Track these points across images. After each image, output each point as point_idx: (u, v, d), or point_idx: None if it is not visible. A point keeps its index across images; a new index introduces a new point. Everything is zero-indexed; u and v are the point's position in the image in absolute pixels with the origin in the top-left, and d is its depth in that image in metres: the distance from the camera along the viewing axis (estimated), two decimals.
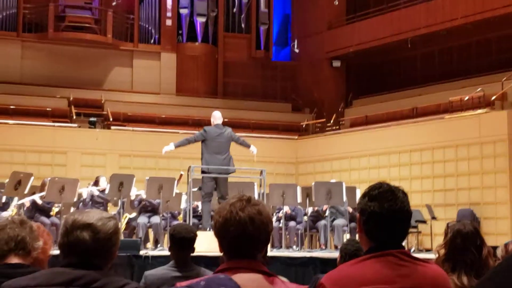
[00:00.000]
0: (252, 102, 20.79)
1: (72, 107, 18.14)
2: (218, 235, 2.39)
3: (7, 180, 10.85)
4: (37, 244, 2.90)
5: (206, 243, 7.50)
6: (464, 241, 3.65)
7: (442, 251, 3.73)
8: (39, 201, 10.87)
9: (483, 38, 18.47)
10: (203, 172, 10.20)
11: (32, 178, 10.78)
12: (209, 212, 10.29)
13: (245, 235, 2.32)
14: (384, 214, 2.43)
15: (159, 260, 8.17)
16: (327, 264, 8.50)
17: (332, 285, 2.35)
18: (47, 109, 17.74)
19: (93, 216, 2.37)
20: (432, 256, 6.75)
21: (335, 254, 8.28)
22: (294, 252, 10.87)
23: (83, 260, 2.33)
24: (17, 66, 19.42)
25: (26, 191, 10.67)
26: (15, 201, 11.17)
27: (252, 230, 2.32)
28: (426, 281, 2.40)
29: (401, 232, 2.49)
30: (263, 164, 15.88)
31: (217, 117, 10.53)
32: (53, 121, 17.42)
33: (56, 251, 3.05)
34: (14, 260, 2.80)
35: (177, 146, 10.48)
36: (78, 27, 19.77)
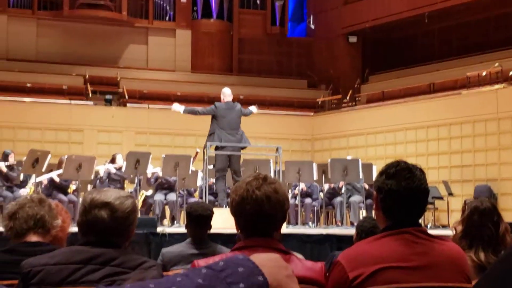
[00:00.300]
0: (268, 79, 20.75)
1: (88, 84, 18.20)
2: (234, 213, 2.40)
3: (24, 158, 10.92)
4: (56, 222, 2.93)
5: (222, 220, 7.53)
6: (481, 218, 3.64)
7: (460, 228, 3.72)
8: (57, 179, 10.94)
9: (501, 13, 18.24)
10: (216, 148, 10.14)
11: (49, 156, 10.84)
12: (224, 189, 10.30)
13: (261, 213, 2.33)
14: (402, 192, 2.43)
15: (176, 237, 8.20)
16: (343, 241, 8.50)
17: (349, 263, 2.36)
18: (63, 86, 17.81)
19: (111, 195, 2.39)
20: (448, 232, 6.74)
21: (351, 231, 8.28)
22: (310, 229, 10.90)
23: (101, 239, 2.35)
24: (32, 44, 19.48)
25: (43, 169, 10.74)
26: (33, 179, 11.26)
27: (268, 208, 2.33)
28: (443, 258, 2.40)
29: (418, 210, 2.50)
30: (279, 141, 15.93)
31: (227, 94, 10.35)
32: (69, 99, 17.49)
33: (74, 229, 3.08)
34: (33, 238, 2.83)
35: (185, 111, 10.34)
36: (93, 5, 19.75)
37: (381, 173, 2.50)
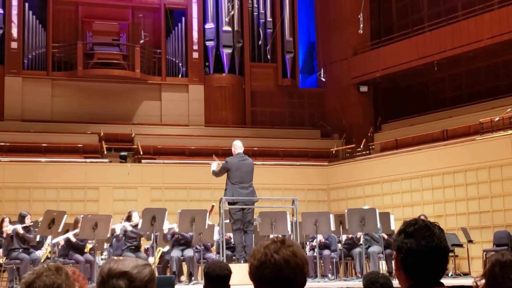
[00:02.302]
0: (281, 130, 20.84)
1: (103, 142, 18.32)
2: (253, 278, 2.37)
3: (41, 218, 10.95)
4: None
5: (240, 276, 7.45)
6: (503, 270, 3.61)
7: (482, 282, 3.69)
8: (73, 239, 10.94)
9: (510, 58, 18.31)
10: (229, 204, 10.16)
11: (65, 216, 10.87)
12: (241, 243, 10.25)
13: (281, 277, 2.30)
14: (422, 251, 2.39)
15: None
16: None
17: None
18: (78, 145, 17.94)
19: (128, 264, 2.37)
20: (470, 281, 6.64)
21: None
22: (330, 282, 10.77)
23: None
24: (47, 104, 19.71)
25: (59, 229, 10.75)
26: (49, 240, 11.26)
27: (287, 272, 2.30)
28: None
29: (440, 269, 2.46)
30: (294, 191, 15.92)
31: (238, 146, 10.46)
32: (85, 157, 17.60)
33: None
34: None
35: (213, 171, 10.47)
36: (106, 64, 20.04)
37: (399, 232, 2.47)
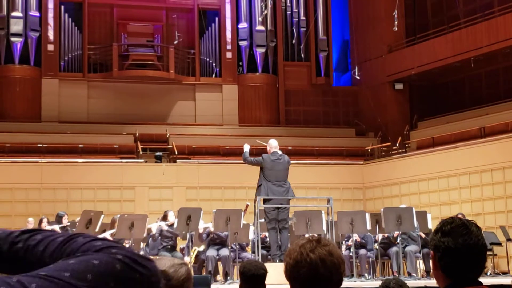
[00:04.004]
0: (315, 129, 20.76)
1: (138, 143, 18.47)
2: (289, 277, 2.36)
3: (78, 219, 11.09)
4: None
5: (275, 276, 7.44)
6: None
7: None
8: (110, 239, 11.04)
9: None
10: (264, 201, 10.14)
11: (102, 216, 10.99)
12: (276, 242, 10.23)
13: (317, 277, 2.29)
14: (460, 249, 2.36)
15: None
16: None
17: None
18: (114, 146, 18.13)
19: (165, 263, 2.38)
20: (509, 280, 6.55)
21: (410, 282, 8.09)
22: (367, 281, 10.70)
23: None
24: (84, 105, 19.96)
25: (97, 229, 10.87)
26: None
27: (323, 271, 2.29)
28: None
29: (478, 267, 2.42)
30: (330, 190, 15.85)
31: (273, 145, 10.46)
32: (121, 158, 17.77)
33: None
34: None
35: (244, 153, 10.51)
36: (141, 65, 20.23)
37: (436, 231, 2.44)
